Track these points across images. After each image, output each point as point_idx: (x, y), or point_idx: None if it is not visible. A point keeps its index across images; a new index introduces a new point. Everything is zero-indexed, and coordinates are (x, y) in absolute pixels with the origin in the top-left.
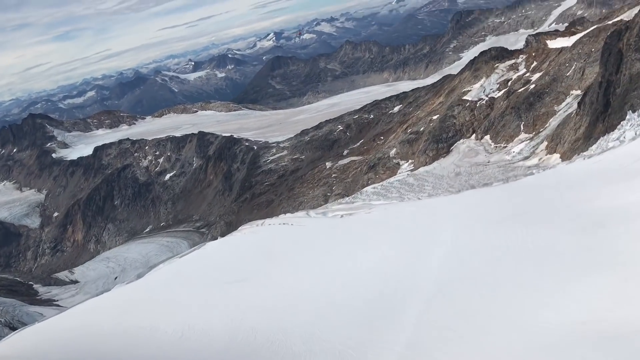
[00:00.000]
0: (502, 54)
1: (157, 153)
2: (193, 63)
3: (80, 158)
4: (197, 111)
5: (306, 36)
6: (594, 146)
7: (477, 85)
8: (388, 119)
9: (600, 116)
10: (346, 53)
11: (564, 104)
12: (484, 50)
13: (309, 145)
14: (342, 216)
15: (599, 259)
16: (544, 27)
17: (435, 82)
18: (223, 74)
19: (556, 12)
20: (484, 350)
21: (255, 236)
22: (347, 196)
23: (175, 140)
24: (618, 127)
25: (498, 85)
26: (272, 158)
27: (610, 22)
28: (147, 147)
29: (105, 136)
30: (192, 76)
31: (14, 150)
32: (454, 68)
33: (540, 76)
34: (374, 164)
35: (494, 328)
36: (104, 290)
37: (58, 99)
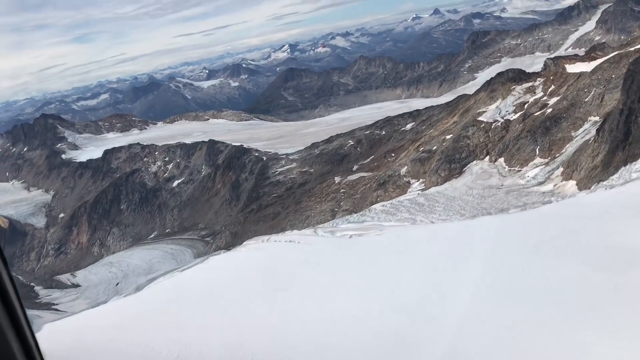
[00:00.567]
0: (519, 76)
1: (167, 159)
2: (207, 71)
3: (90, 160)
4: (208, 119)
5: (320, 49)
6: (615, 175)
7: (493, 107)
8: (400, 136)
9: (620, 144)
10: (360, 68)
11: (581, 129)
12: (500, 72)
13: (318, 159)
14: (351, 236)
15: (634, 305)
16: (560, 51)
17: (449, 101)
18: (236, 83)
19: (573, 37)
20: None
21: (260, 253)
22: (355, 213)
23: (185, 147)
24: None
25: (514, 108)
26: (280, 170)
27: (632, 49)
28: (156, 153)
29: (115, 140)
30: (205, 84)
31: (25, 149)
32: (468, 88)
33: (557, 100)
34: (384, 181)
35: None
36: (103, 297)
37: (72, 100)
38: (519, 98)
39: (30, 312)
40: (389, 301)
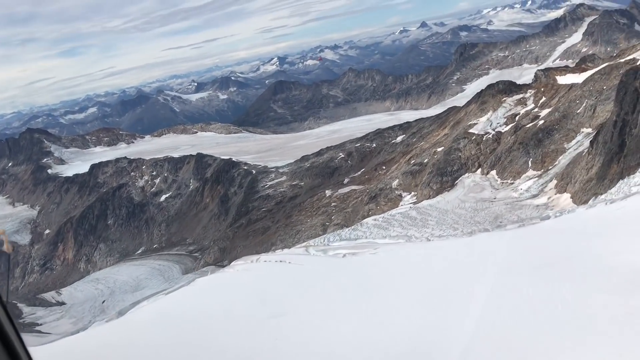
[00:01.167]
0: (509, 87)
1: (154, 173)
2: (196, 84)
3: (76, 175)
4: (197, 132)
5: (309, 62)
6: (614, 189)
7: (484, 119)
8: (391, 148)
9: (615, 157)
10: (349, 80)
11: (574, 141)
12: (491, 84)
13: (308, 172)
14: (344, 255)
15: None
16: (548, 63)
17: (440, 114)
18: (225, 96)
19: (560, 49)
20: None
21: (249, 275)
22: (347, 227)
23: (173, 161)
24: (639, 170)
25: (505, 120)
26: (270, 183)
27: (622, 61)
28: (144, 167)
29: (102, 154)
30: (194, 97)
31: (10, 164)
32: (457, 100)
33: (549, 112)
34: (375, 194)
35: None
36: (89, 316)
37: (59, 114)
38: (510, 110)
39: None
40: (387, 328)
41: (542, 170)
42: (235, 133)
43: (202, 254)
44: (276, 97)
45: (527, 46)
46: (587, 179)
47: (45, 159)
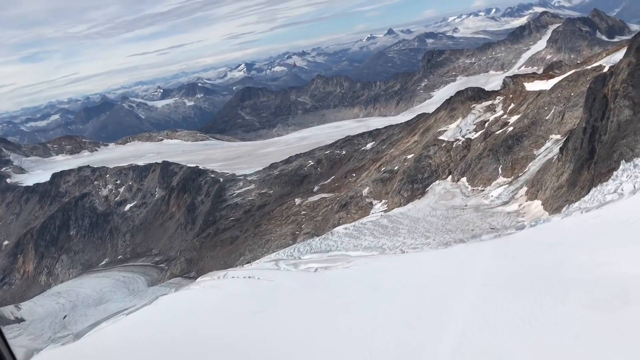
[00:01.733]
0: (478, 94)
1: (118, 182)
2: (162, 90)
3: (37, 184)
4: (162, 139)
5: (277, 68)
6: (587, 197)
7: (454, 126)
8: (360, 155)
9: (586, 163)
10: (317, 87)
11: (543, 148)
12: (460, 90)
13: (277, 180)
14: (316, 270)
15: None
16: (514, 70)
17: (409, 120)
18: (192, 103)
19: (525, 56)
20: None
21: (215, 292)
22: (318, 236)
23: (137, 169)
24: (612, 177)
25: (475, 127)
26: (238, 192)
27: (589, 67)
28: (107, 176)
29: (64, 162)
30: (160, 103)
31: None
32: (425, 106)
33: (518, 119)
34: (345, 202)
35: None
36: (49, 332)
37: (20, 122)
38: (480, 117)
39: None
40: (364, 348)
41: (513, 177)
42: (202, 140)
43: (169, 264)
44: (244, 103)
45: (493, 53)
46: (558, 186)
47: (4, 168)
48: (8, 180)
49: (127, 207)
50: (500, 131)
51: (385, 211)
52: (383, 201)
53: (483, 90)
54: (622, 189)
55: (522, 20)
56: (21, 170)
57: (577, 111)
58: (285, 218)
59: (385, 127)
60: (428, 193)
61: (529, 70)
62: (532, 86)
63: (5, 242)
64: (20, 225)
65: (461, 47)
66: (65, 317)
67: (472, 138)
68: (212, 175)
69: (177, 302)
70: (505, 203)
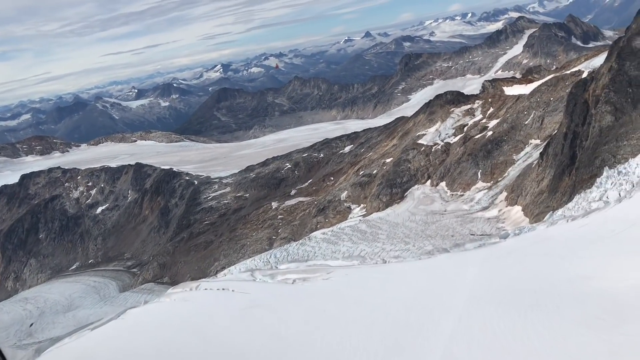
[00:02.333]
0: (457, 98)
1: (90, 184)
2: (136, 90)
3: (5, 186)
4: (136, 141)
5: (254, 69)
6: (571, 204)
7: (433, 129)
8: (339, 159)
9: (567, 169)
10: (294, 89)
11: (522, 153)
12: (439, 94)
13: (254, 183)
14: (294, 281)
15: None
16: (490, 74)
17: (388, 124)
18: (167, 103)
19: (502, 60)
20: None
21: (186, 306)
22: (295, 241)
23: (110, 171)
24: (595, 184)
25: (454, 131)
26: (213, 195)
27: (568, 72)
28: (79, 177)
29: (34, 163)
30: (134, 104)
31: None
32: (403, 110)
33: (497, 123)
34: (323, 206)
35: None
36: (13, 340)
37: None
38: (459, 121)
39: None
40: None
41: (492, 182)
42: (176, 142)
43: (141, 269)
44: (220, 104)
45: (470, 57)
46: (538, 192)
47: None
48: None
49: (99, 209)
50: (479, 135)
51: (363, 216)
52: (361, 205)
53: (462, 94)
54: (607, 197)
55: (497, 25)
56: None
57: (557, 116)
58: (261, 222)
59: (364, 130)
60: (407, 198)
61: (506, 74)
62: (511, 90)
63: None
64: None
65: (438, 51)
66: (32, 324)
67: (451, 142)
68: (187, 178)
69: (146, 316)
70: (484, 208)
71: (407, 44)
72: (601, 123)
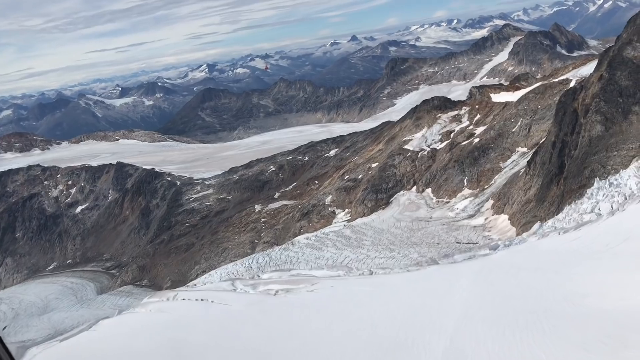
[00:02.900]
0: (444, 104)
1: (70, 183)
2: (120, 89)
3: None
4: (118, 139)
5: (239, 70)
6: (561, 215)
7: (419, 135)
8: (324, 162)
9: (555, 179)
10: (280, 90)
11: (509, 161)
12: (426, 99)
13: (237, 185)
14: (276, 292)
15: None
16: (476, 80)
17: (374, 128)
18: (151, 102)
19: (487, 67)
20: None
21: (162, 317)
22: (278, 245)
23: (91, 169)
24: (586, 195)
25: (440, 137)
26: (195, 196)
27: (555, 80)
28: (58, 176)
29: (13, 160)
30: (118, 102)
31: None
32: (388, 114)
33: (484, 130)
34: (307, 210)
35: None
36: None
37: None
38: (445, 127)
39: None
40: None
41: (478, 190)
42: (159, 141)
43: (120, 271)
44: (204, 104)
45: (456, 63)
46: (526, 201)
47: None
48: None
49: (79, 209)
50: (466, 142)
51: (348, 221)
52: (346, 210)
53: (449, 99)
54: (599, 209)
55: (482, 32)
56: None
57: (544, 124)
58: (244, 225)
59: (350, 134)
60: (392, 203)
61: (491, 81)
62: (498, 97)
63: None
64: None
65: (423, 56)
66: (4, 328)
67: (438, 148)
68: (169, 178)
69: (118, 327)
70: (470, 216)
71: (393, 48)
72: (591, 133)
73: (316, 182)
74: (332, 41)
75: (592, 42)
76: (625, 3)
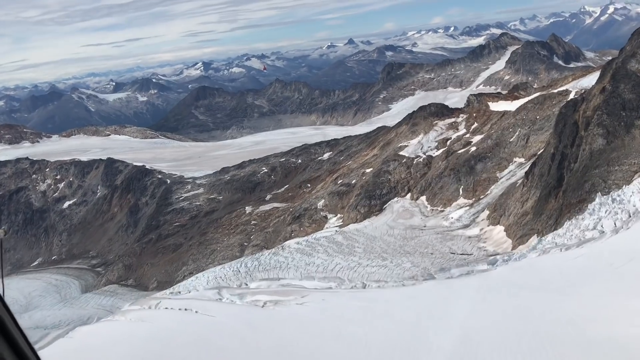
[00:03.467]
0: (441, 110)
1: (58, 177)
2: (114, 83)
3: None
4: (110, 135)
5: (235, 69)
6: (561, 230)
7: (415, 141)
8: (317, 165)
9: (553, 191)
10: (275, 91)
11: (506, 171)
12: (423, 105)
13: (228, 185)
14: (264, 304)
15: None
16: (472, 88)
17: (369, 133)
18: (145, 98)
19: (484, 75)
20: None
21: (143, 327)
22: (267, 249)
23: (80, 164)
24: (588, 210)
25: (436, 144)
26: (185, 195)
27: (555, 91)
28: (47, 170)
29: (2, 152)
30: (111, 97)
31: None
32: (383, 119)
33: (481, 139)
34: (299, 214)
35: None
36: None
37: None
38: (442, 134)
39: None
40: None
41: (474, 199)
42: (151, 138)
43: (106, 269)
44: (198, 102)
45: (452, 70)
46: (522, 213)
47: None
48: None
49: (66, 204)
50: (462, 150)
51: (340, 226)
52: (338, 215)
53: (446, 106)
54: (602, 226)
55: (479, 40)
56: None
57: (543, 135)
58: (233, 227)
59: (344, 138)
60: (386, 210)
61: (487, 89)
62: (496, 106)
63: None
64: None
65: (420, 62)
66: None
67: (434, 156)
68: (159, 176)
69: (96, 337)
70: (465, 226)
71: (389, 53)
72: (592, 146)
73: (309, 185)
74: (329, 44)
75: (589, 54)
76: (621, 16)
